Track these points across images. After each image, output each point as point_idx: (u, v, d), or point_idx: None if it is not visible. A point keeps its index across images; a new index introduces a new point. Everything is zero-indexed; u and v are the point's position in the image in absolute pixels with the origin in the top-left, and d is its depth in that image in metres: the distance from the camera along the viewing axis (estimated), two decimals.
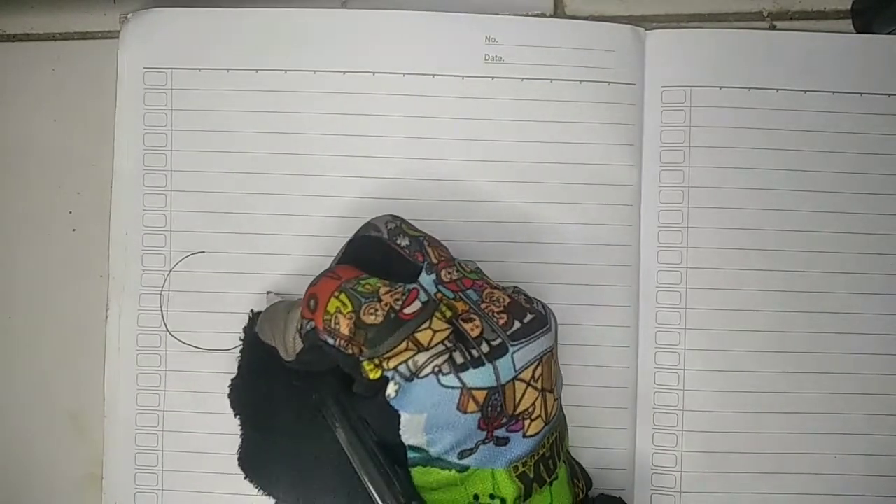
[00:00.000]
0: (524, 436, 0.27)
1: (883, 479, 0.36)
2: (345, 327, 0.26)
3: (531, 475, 0.27)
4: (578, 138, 0.37)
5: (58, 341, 0.38)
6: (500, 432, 0.26)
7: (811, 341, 0.36)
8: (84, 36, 0.39)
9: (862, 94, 0.37)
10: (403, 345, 0.25)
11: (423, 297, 0.27)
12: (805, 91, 0.37)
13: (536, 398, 0.27)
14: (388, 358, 0.25)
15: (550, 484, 0.28)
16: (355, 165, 0.37)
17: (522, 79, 0.37)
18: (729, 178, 0.37)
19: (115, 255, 0.37)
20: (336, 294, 0.26)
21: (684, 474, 0.36)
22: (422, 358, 0.25)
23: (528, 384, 0.27)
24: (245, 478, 0.31)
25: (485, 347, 0.26)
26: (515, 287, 0.29)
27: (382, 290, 0.26)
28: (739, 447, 0.36)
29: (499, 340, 0.26)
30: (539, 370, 0.27)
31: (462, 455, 0.26)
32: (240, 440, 0.32)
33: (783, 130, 0.37)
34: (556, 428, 0.29)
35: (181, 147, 0.37)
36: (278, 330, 0.29)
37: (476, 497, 0.27)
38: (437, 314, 0.26)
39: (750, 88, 0.37)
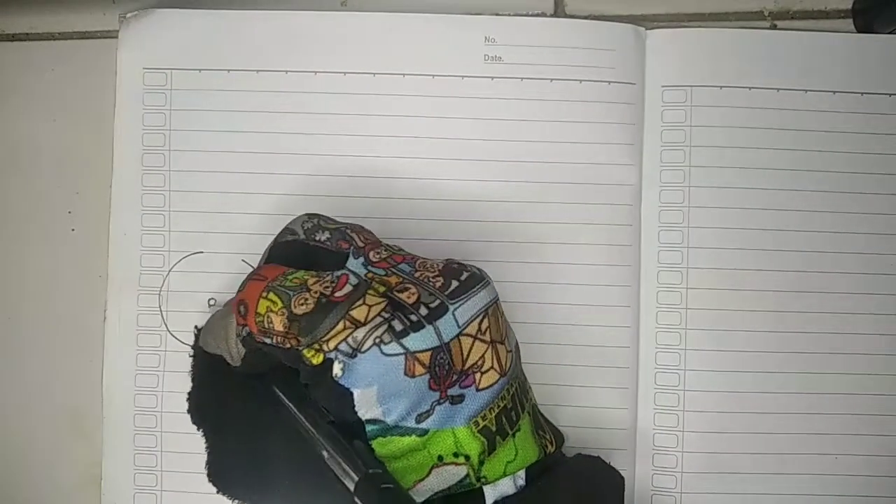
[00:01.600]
0: (477, 389, 0.27)
1: (883, 479, 0.36)
2: (278, 324, 0.26)
3: (493, 428, 0.27)
4: (579, 138, 0.37)
5: (57, 341, 0.38)
6: (454, 390, 0.27)
7: (812, 341, 0.36)
8: (84, 36, 0.39)
9: (862, 93, 0.37)
10: (341, 324, 0.26)
11: (354, 280, 0.27)
12: (805, 91, 0.37)
13: (486, 350, 0.27)
14: (327, 340, 0.26)
15: (513, 436, 0.28)
16: (355, 165, 0.37)
17: (522, 79, 0.37)
18: (729, 178, 0.37)
19: (114, 255, 0.37)
20: (264, 295, 0.26)
21: (685, 475, 0.36)
22: (361, 333, 0.25)
23: (475, 338, 0.27)
24: (217, 492, 0.31)
25: (423, 311, 0.26)
26: (448, 258, 0.29)
27: (311, 281, 0.27)
28: (740, 447, 0.36)
29: (437, 302, 0.26)
30: (486, 322, 0.27)
31: (420, 419, 0.26)
32: (206, 455, 0.31)
33: (783, 130, 0.37)
34: (515, 380, 0.29)
35: (180, 147, 0.37)
36: (220, 339, 0.29)
37: (440, 458, 0.27)
38: (371, 291, 0.26)
39: (750, 88, 0.37)
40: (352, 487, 0.26)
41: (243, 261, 0.36)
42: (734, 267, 0.36)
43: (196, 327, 0.33)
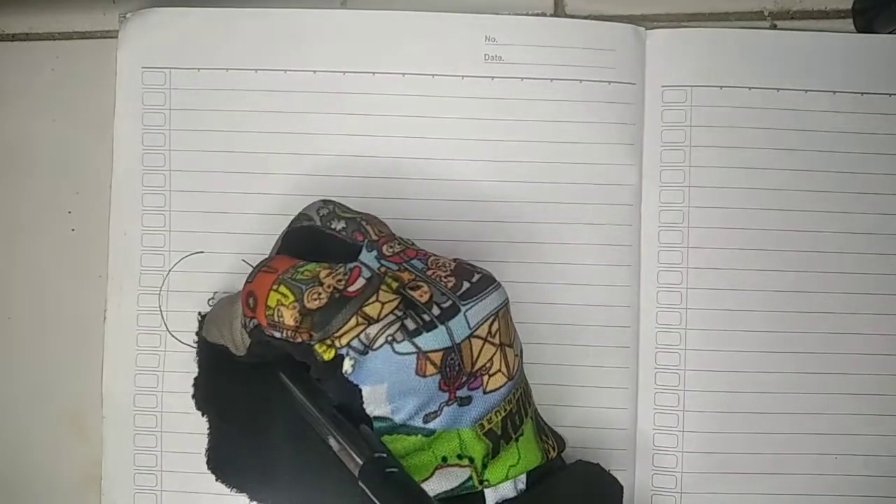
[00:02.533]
0: (484, 392, 0.27)
1: (883, 479, 0.36)
2: (289, 318, 0.26)
3: (498, 432, 0.27)
4: (579, 138, 0.37)
5: (57, 341, 0.38)
6: (462, 392, 0.26)
7: (811, 341, 0.36)
8: (83, 35, 0.39)
9: (862, 93, 0.37)
10: (353, 320, 0.25)
11: (367, 273, 0.27)
12: (805, 91, 0.37)
13: (494, 353, 0.27)
14: (339, 336, 0.25)
15: (517, 440, 0.28)
16: (355, 165, 0.37)
17: (522, 78, 0.37)
18: (729, 178, 0.37)
19: (114, 255, 0.37)
20: (274, 287, 0.26)
21: (685, 475, 0.36)
22: (373, 330, 0.25)
23: (485, 340, 0.27)
24: (217, 480, 0.31)
25: (436, 311, 0.26)
26: (458, 258, 0.29)
27: (323, 274, 0.26)
28: (740, 447, 0.36)
29: (449, 302, 0.26)
30: (496, 325, 0.27)
31: (427, 419, 0.26)
32: (206, 441, 0.31)
33: (783, 130, 0.37)
34: (521, 384, 0.29)
35: (180, 147, 0.37)
36: (225, 328, 0.29)
37: (444, 459, 0.27)
38: (384, 287, 0.26)
39: (750, 88, 0.37)
40: (357, 472, 0.26)
41: (243, 261, 0.36)
42: (734, 267, 0.36)
43: (199, 314, 0.33)
